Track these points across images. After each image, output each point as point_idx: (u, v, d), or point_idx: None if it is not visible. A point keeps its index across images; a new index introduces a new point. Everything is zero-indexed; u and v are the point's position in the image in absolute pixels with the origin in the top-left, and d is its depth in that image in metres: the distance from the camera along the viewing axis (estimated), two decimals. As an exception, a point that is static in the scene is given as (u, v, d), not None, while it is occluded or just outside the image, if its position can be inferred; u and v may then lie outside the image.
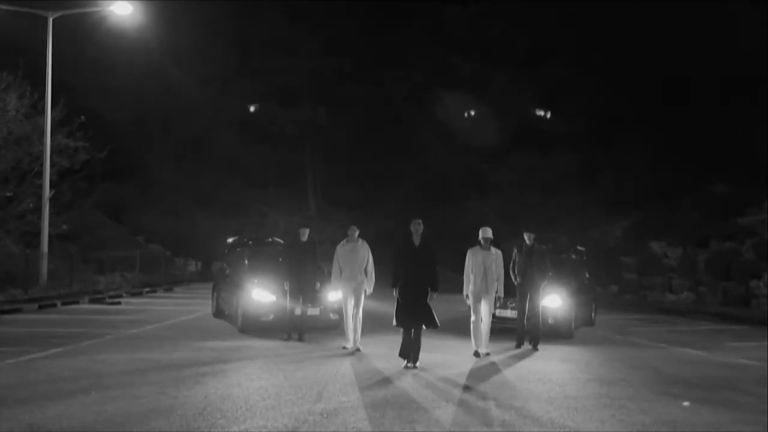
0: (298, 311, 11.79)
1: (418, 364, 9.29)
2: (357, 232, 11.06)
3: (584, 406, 7.22)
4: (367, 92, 44.81)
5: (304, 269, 11.72)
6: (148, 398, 7.09)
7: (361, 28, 45.46)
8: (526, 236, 11.62)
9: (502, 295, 10.80)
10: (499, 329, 11.99)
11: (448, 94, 43.58)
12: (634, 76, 34.27)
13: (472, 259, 10.48)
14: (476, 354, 10.33)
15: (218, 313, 15.31)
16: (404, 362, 9.38)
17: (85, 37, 30.46)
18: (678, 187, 29.12)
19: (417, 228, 9.52)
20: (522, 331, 11.51)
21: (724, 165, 27.96)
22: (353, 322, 10.78)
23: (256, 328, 12.64)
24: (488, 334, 10.68)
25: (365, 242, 11.07)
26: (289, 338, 11.70)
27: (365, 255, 10.93)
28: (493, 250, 10.54)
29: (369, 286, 10.88)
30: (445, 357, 10.28)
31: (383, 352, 10.49)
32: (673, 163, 30.68)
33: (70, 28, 24.85)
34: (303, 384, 8.01)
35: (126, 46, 32.76)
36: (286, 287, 11.81)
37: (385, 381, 8.43)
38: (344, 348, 10.73)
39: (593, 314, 15.05)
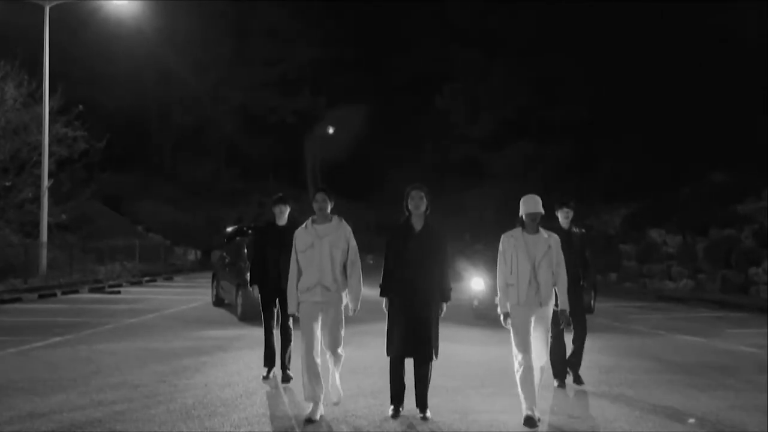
0: (275, 332, 7.66)
1: (428, 413, 5.96)
2: (330, 206, 6.16)
3: (583, 393, 7.23)
4: (366, 81, 44.84)
5: (283, 267, 6.62)
6: (149, 387, 7.10)
7: (360, 18, 45.42)
8: (561, 215, 7.66)
9: (567, 308, 6.31)
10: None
11: (447, 83, 43.58)
12: (633, 65, 34.19)
13: (511, 251, 6.09)
14: (530, 422, 5.87)
15: (218, 301, 15.36)
16: (391, 409, 6.02)
17: (82, 26, 30.37)
18: (677, 175, 29.11)
19: (418, 203, 5.97)
20: (560, 358, 7.47)
21: (723, 153, 27.94)
22: (324, 370, 6.17)
23: (255, 316, 12.62)
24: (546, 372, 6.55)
25: (344, 222, 6.20)
26: (268, 376, 7.51)
27: (344, 243, 6.09)
28: (545, 233, 6.17)
29: (353, 301, 6.14)
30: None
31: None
32: (672, 152, 30.69)
33: (67, 16, 24.77)
34: (303, 372, 8.01)
35: (124, 34, 32.72)
36: (255, 295, 7.81)
37: None
38: (309, 421, 5.82)
39: (592, 302, 15.06)
